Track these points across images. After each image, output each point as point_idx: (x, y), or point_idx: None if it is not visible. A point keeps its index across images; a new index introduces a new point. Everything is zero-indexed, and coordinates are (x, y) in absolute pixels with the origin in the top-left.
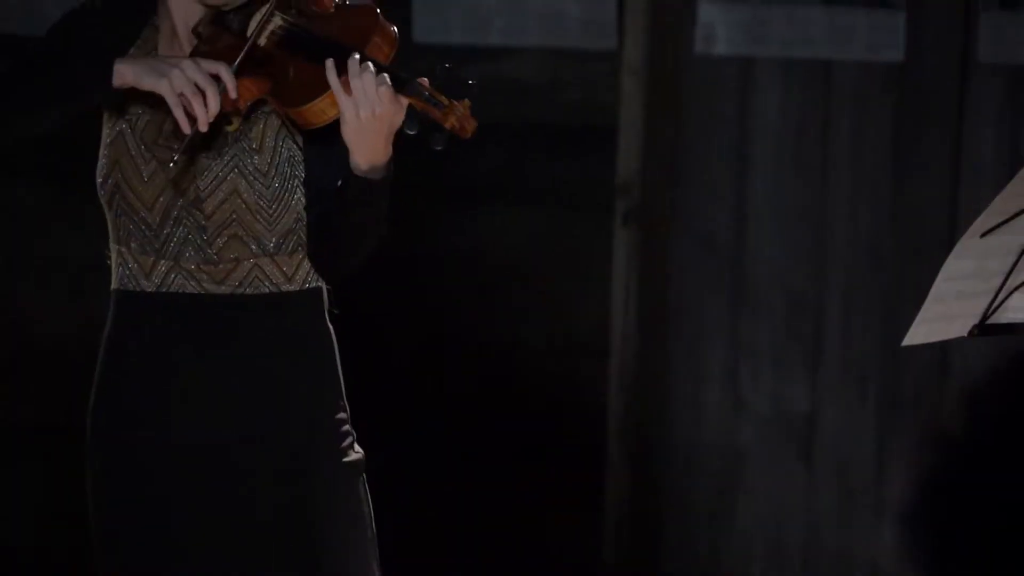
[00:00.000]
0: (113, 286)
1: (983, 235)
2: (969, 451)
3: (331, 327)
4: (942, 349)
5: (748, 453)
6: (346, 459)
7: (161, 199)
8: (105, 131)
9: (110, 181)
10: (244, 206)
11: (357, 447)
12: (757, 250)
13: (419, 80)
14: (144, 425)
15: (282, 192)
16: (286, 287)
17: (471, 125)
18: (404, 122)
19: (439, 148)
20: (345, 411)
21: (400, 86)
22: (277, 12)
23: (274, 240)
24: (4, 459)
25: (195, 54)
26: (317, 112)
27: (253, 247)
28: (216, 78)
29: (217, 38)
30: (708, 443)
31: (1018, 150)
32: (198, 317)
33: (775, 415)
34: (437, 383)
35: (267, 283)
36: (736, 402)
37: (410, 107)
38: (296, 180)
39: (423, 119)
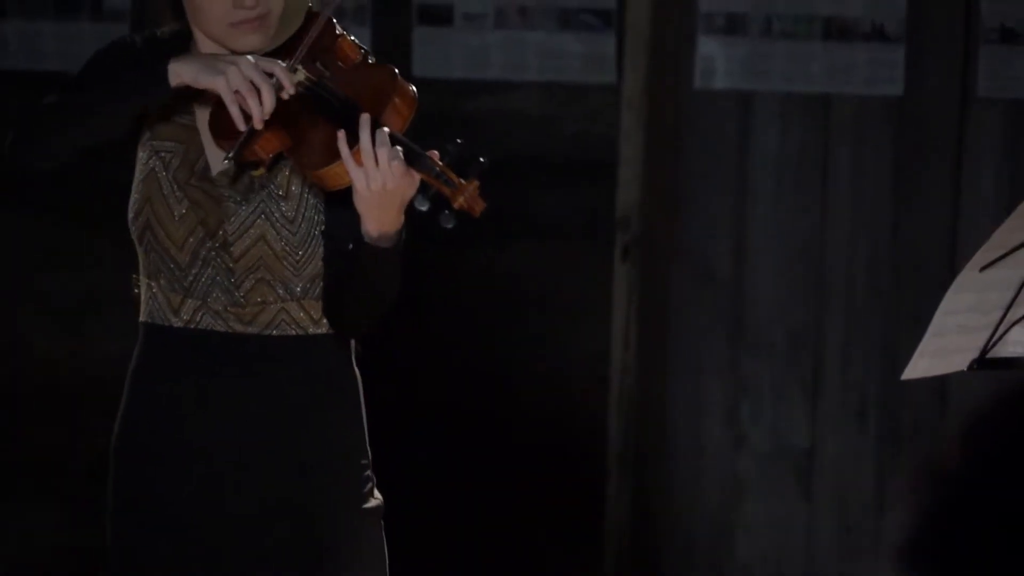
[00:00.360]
0: (141, 318)
1: (983, 269)
2: (969, 485)
3: (357, 371)
4: (942, 383)
5: (748, 486)
6: (366, 505)
7: (191, 239)
8: (138, 168)
9: (141, 218)
10: (271, 252)
11: (377, 493)
12: (757, 283)
13: (431, 155)
14: (166, 457)
15: (308, 239)
16: (313, 330)
17: (480, 206)
18: (415, 196)
19: (449, 227)
20: (367, 456)
21: (412, 161)
22: (300, 66)
23: (301, 285)
24: (3, 491)
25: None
26: (334, 176)
27: (280, 291)
28: (270, 76)
29: None
30: (708, 476)
31: (1018, 184)
32: (225, 355)
33: (775, 448)
34: (435, 415)
35: (294, 326)
36: (736, 435)
37: (422, 181)
38: (320, 226)
39: (435, 194)
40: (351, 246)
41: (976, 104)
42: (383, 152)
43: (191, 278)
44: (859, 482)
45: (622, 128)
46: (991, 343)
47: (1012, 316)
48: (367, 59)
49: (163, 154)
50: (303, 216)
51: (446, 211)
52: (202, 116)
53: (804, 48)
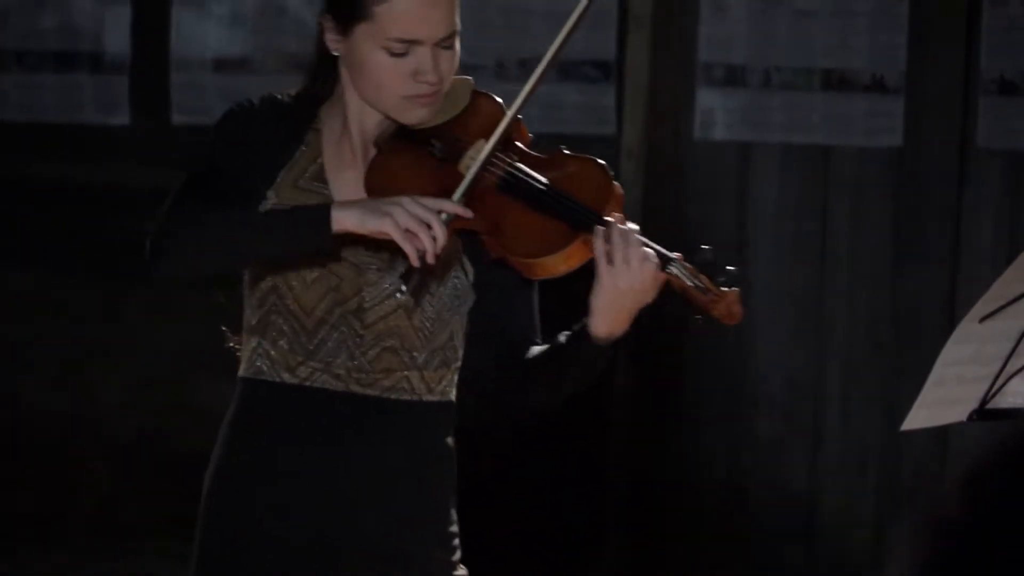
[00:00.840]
0: (244, 373)
1: (982, 320)
2: (969, 535)
3: (452, 441)
4: (941, 434)
5: (748, 535)
6: (455, 573)
7: (321, 305)
8: None
9: (266, 281)
10: (408, 323)
11: (462, 567)
12: (756, 334)
13: (680, 259)
14: (262, 513)
15: (445, 313)
16: (427, 398)
17: (738, 316)
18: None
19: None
20: (456, 525)
21: (664, 265)
22: (500, 154)
23: (425, 355)
24: (3, 540)
25: (374, 165)
26: (547, 266)
27: (406, 360)
28: (439, 213)
29: (406, 155)
30: (708, 524)
31: (1017, 235)
32: (337, 414)
33: (775, 498)
34: None
35: (411, 393)
36: (736, 484)
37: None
38: (458, 303)
39: (683, 300)
40: (563, 338)
41: (975, 155)
42: (637, 252)
43: (316, 342)
44: (859, 531)
45: (622, 178)
46: (991, 394)
47: (1011, 367)
48: (563, 150)
49: None
50: (445, 291)
51: (698, 317)
52: (342, 182)
53: (803, 99)
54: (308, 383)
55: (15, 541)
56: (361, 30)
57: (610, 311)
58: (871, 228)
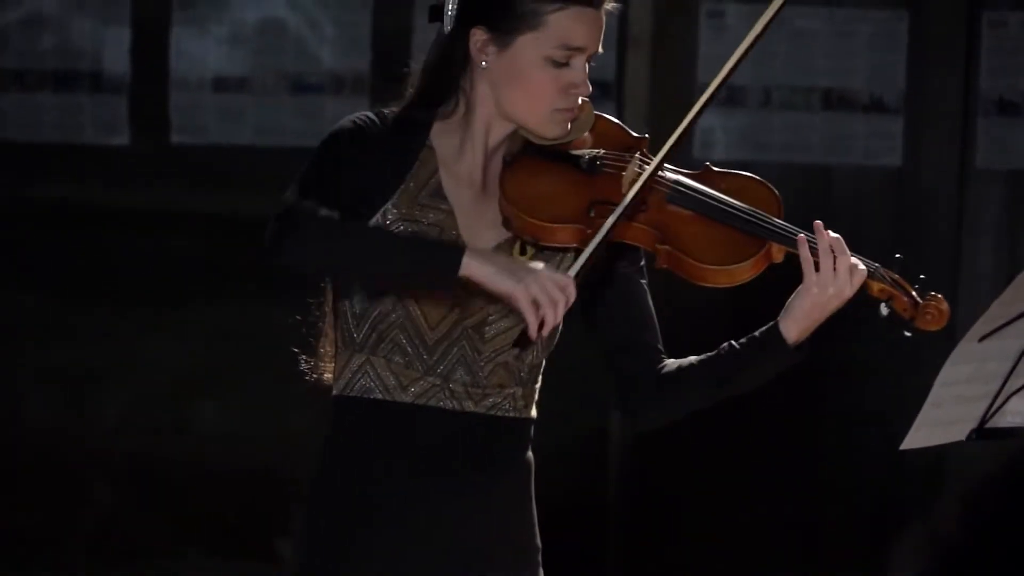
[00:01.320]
0: (343, 392)
1: (981, 339)
2: (968, 558)
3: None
4: (939, 455)
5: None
6: None
7: (446, 319)
8: None
9: (392, 296)
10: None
11: None
12: None
13: (881, 267)
14: (369, 534)
15: (554, 330)
16: (523, 414)
17: (947, 316)
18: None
19: (903, 332)
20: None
21: (872, 273)
22: (663, 170)
23: (528, 369)
24: (3, 563)
25: (512, 178)
26: (727, 274)
27: (516, 376)
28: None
29: (544, 169)
30: (708, 550)
31: (1017, 254)
32: (447, 433)
33: (774, 524)
34: None
35: (512, 409)
36: (736, 515)
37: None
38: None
39: (884, 308)
40: (737, 344)
41: (975, 175)
42: (845, 261)
43: (437, 356)
44: (858, 556)
45: None
46: (990, 413)
47: (1011, 386)
48: (710, 166)
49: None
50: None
51: (902, 325)
52: (461, 198)
53: (803, 119)
54: (421, 402)
55: (15, 561)
56: (525, 39)
57: (808, 318)
58: (870, 247)
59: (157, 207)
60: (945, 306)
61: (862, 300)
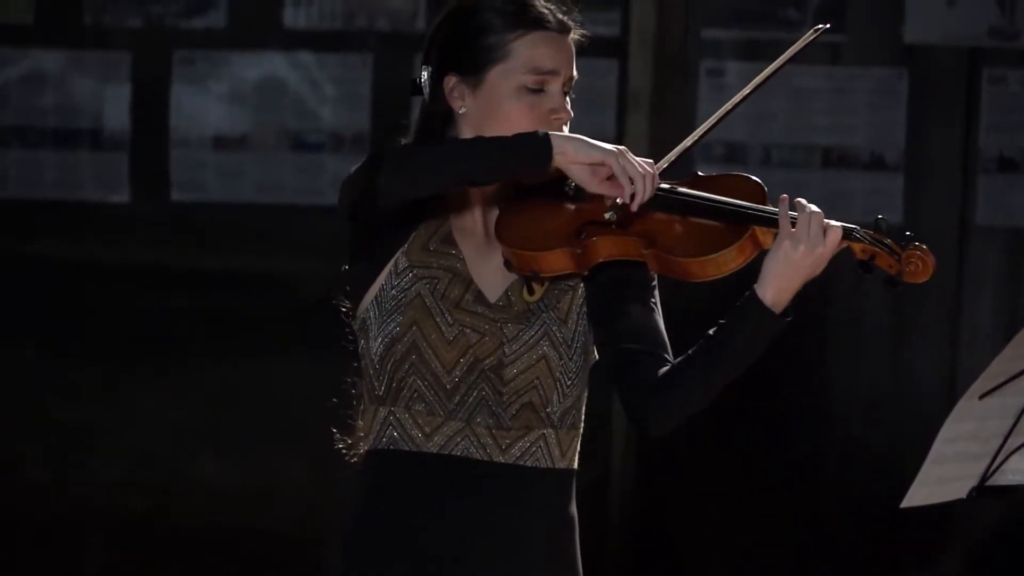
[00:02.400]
0: (372, 446)
1: (982, 397)
2: None
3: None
4: (942, 510)
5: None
6: None
7: (462, 361)
8: (393, 295)
9: (404, 342)
10: (548, 373)
11: None
12: (753, 403)
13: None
14: None
15: (581, 364)
16: (559, 464)
17: (933, 264)
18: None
19: (896, 288)
20: None
21: (848, 232)
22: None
23: (560, 412)
24: None
25: (503, 220)
26: (720, 263)
27: (543, 416)
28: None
29: (534, 205)
30: (711, 533)
31: (1017, 312)
32: (477, 484)
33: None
34: None
35: (546, 458)
36: (737, 555)
37: (847, 253)
38: (590, 354)
39: (867, 268)
40: (729, 316)
41: (975, 232)
42: (818, 219)
43: (457, 399)
44: None
45: None
46: (990, 471)
47: (1011, 444)
48: (698, 172)
49: (429, 280)
50: (578, 342)
51: (890, 282)
52: (469, 247)
53: (803, 177)
54: (447, 451)
55: None
56: (495, 72)
57: (781, 274)
58: (871, 304)
59: (157, 264)
60: (929, 256)
61: (850, 265)
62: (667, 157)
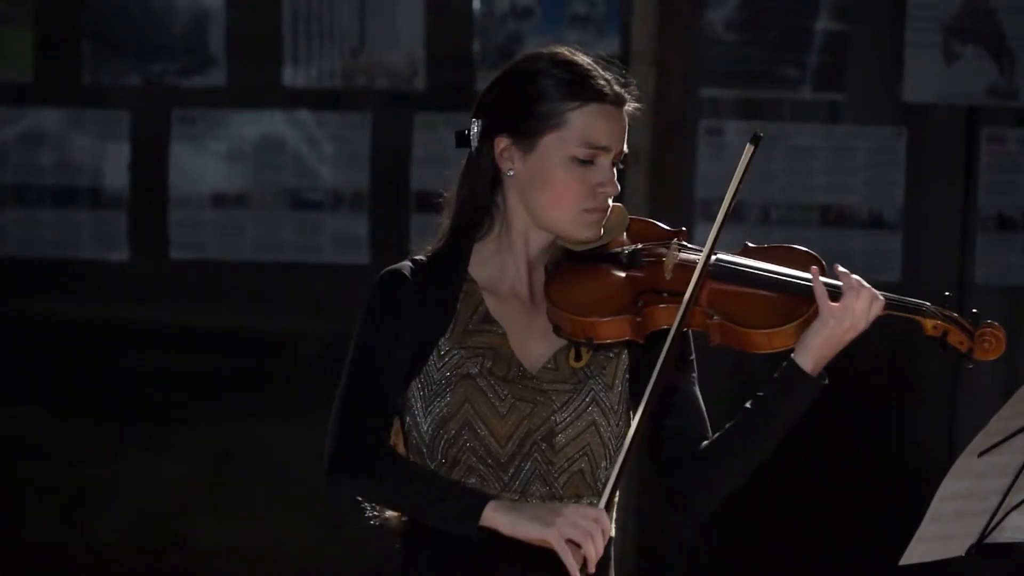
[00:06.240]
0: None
1: (981, 454)
2: None
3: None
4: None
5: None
6: None
7: (515, 434)
8: (436, 377)
9: (458, 419)
10: (599, 440)
11: None
12: None
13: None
14: None
15: (623, 431)
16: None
17: (1004, 343)
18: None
19: (969, 366)
20: None
21: (924, 311)
22: (719, 253)
23: (605, 479)
24: None
25: (555, 286)
26: (782, 336)
27: (591, 483)
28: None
29: (584, 271)
30: (712, 536)
31: (1015, 370)
32: (529, 558)
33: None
34: None
35: None
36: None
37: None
38: (630, 421)
39: (938, 344)
40: (770, 387)
41: (974, 291)
42: (867, 295)
43: (511, 472)
44: None
45: None
46: (989, 529)
47: (1010, 502)
48: (748, 243)
49: (475, 358)
50: (623, 408)
51: (962, 357)
52: (508, 318)
53: (802, 235)
54: None
55: None
56: (549, 140)
57: (823, 348)
58: (870, 360)
59: (156, 323)
60: (1001, 333)
61: (922, 340)
62: (712, 232)
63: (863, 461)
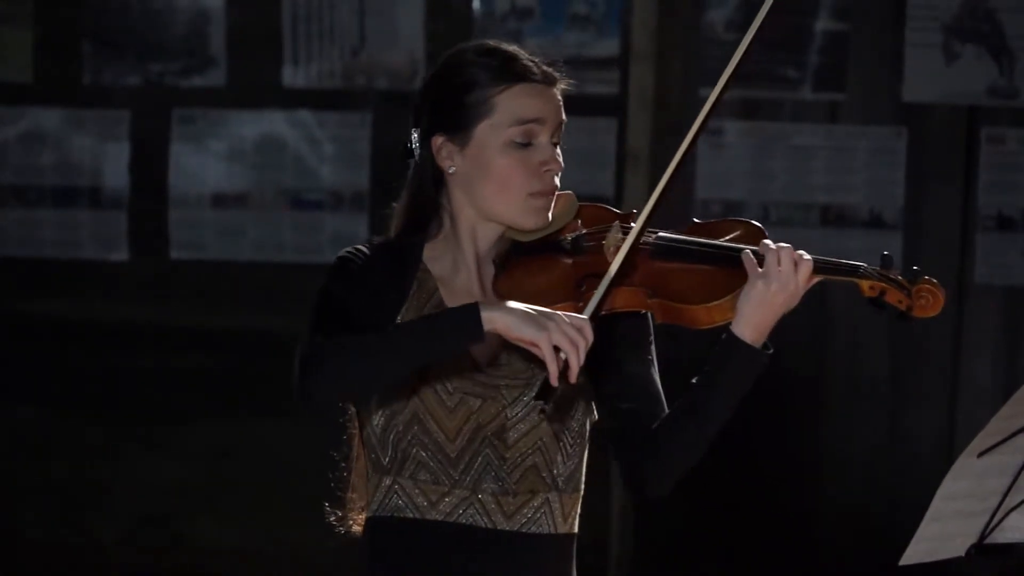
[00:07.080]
0: (375, 513)
1: (980, 455)
2: None
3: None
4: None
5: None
6: None
7: (464, 428)
8: None
9: (405, 414)
10: (551, 434)
11: None
12: (753, 461)
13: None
14: None
15: (582, 424)
16: (562, 529)
17: (942, 300)
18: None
19: (908, 323)
20: None
21: (860, 272)
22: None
23: (564, 476)
24: None
25: (502, 278)
26: (720, 310)
27: (547, 479)
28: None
29: (531, 262)
30: (712, 536)
31: (1015, 370)
32: (481, 552)
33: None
34: None
35: (549, 524)
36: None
37: (855, 290)
38: (590, 414)
39: (875, 304)
40: (710, 361)
41: (973, 291)
42: (788, 253)
43: (462, 467)
44: None
45: None
46: (989, 529)
47: (1010, 502)
48: (695, 220)
49: None
50: (581, 402)
51: (901, 316)
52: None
53: (801, 235)
54: (452, 519)
55: None
56: (482, 129)
57: (756, 315)
58: (870, 363)
59: (156, 323)
60: (939, 289)
61: (860, 302)
62: (643, 212)
63: (863, 461)
